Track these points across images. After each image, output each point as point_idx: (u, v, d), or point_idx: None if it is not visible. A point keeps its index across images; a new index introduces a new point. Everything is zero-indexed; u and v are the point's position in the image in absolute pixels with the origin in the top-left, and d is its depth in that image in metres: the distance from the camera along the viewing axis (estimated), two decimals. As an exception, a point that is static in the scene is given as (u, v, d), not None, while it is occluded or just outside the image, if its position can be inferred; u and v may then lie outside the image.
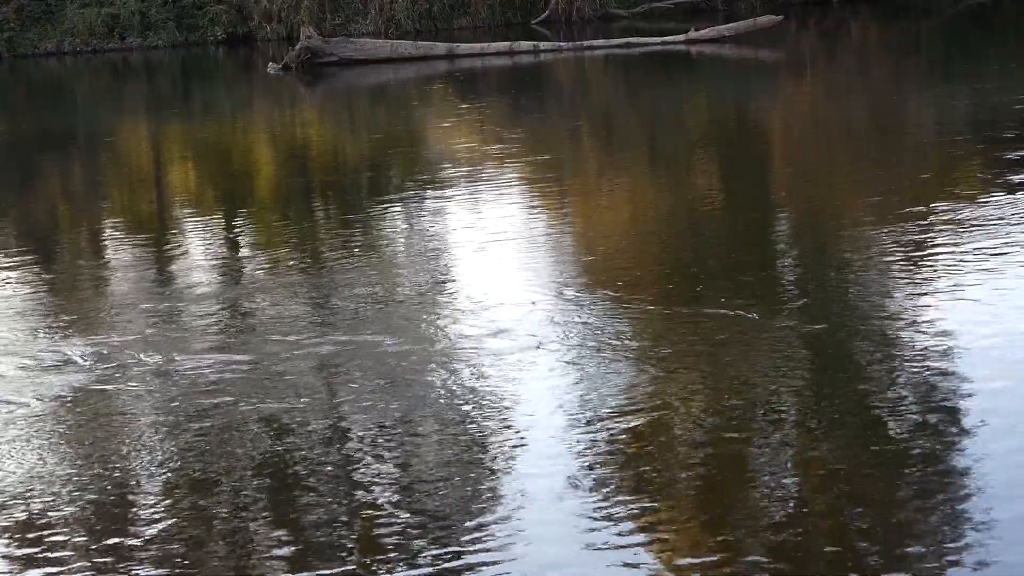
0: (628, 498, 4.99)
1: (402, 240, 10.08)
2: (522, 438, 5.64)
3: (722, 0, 33.33)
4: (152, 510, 5.16)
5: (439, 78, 24.26)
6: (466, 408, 6.03)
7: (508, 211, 10.82)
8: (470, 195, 11.65)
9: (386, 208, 11.67)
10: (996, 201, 9.57)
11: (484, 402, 6.08)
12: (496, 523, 4.87)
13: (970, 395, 5.81)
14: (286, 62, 25.82)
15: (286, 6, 33.07)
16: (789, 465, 5.23)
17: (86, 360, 7.10)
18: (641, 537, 4.69)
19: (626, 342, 6.86)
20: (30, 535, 5.02)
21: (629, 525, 4.77)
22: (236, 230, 11.40)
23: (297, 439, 5.80)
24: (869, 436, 5.42)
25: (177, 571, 4.66)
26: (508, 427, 5.76)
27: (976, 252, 8.12)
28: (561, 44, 26.94)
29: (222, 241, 10.75)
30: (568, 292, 7.95)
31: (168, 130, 19.97)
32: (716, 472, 5.20)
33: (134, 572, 4.68)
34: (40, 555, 4.86)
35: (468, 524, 4.87)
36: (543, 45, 26.76)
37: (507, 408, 5.99)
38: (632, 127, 16.79)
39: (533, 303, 7.65)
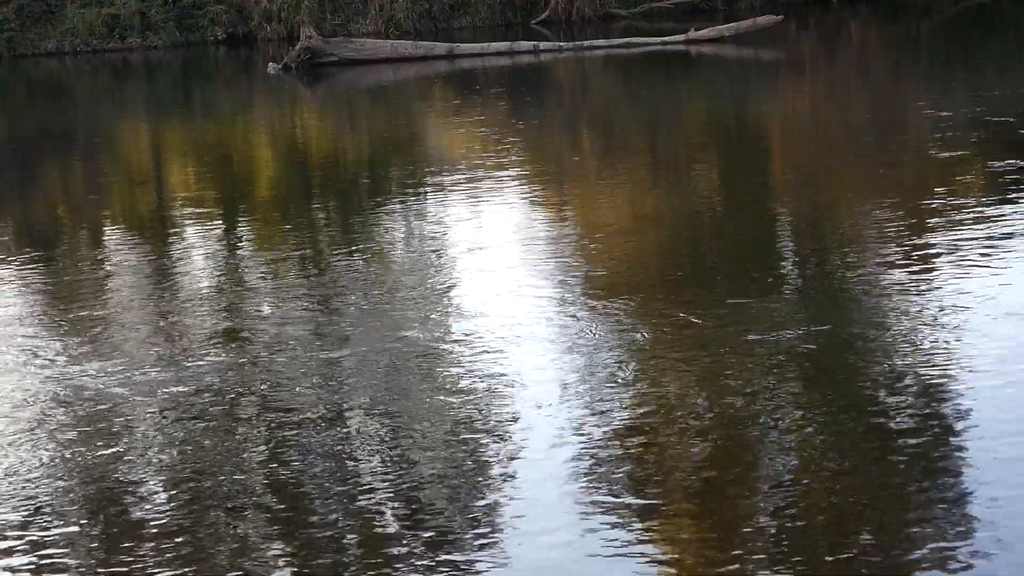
0: (630, 498, 4.99)
1: (402, 240, 10.08)
2: (523, 439, 5.64)
3: (722, 0, 33.34)
4: (152, 510, 5.17)
5: (439, 78, 24.27)
6: (466, 408, 6.03)
7: (508, 211, 10.82)
8: (470, 195, 11.64)
9: (386, 208, 11.68)
10: (996, 201, 9.58)
11: (484, 402, 6.09)
12: (495, 523, 4.88)
13: (972, 395, 5.80)
14: (286, 62, 25.82)
15: (286, 6, 33.06)
16: (789, 464, 5.23)
17: (85, 360, 7.10)
18: (642, 537, 4.69)
19: (626, 341, 6.86)
20: (30, 535, 5.02)
21: (630, 526, 4.77)
22: (236, 230, 11.41)
23: (297, 438, 5.80)
24: (870, 436, 5.43)
25: (177, 571, 4.67)
26: (509, 427, 5.77)
27: (977, 252, 8.13)
28: (561, 44, 26.93)
29: (222, 241, 10.75)
30: (568, 292, 7.95)
31: (168, 130, 19.97)
32: (715, 471, 5.20)
33: (134, 571, 4.68)
34: (40, 555, 4.86)
35: (468, 524, 4.88)
36: (543, 45, 26.76)
37: (508, 408, 5.99)
38: (632, 127, 16.79)
39: (533, 304, 7.66)
